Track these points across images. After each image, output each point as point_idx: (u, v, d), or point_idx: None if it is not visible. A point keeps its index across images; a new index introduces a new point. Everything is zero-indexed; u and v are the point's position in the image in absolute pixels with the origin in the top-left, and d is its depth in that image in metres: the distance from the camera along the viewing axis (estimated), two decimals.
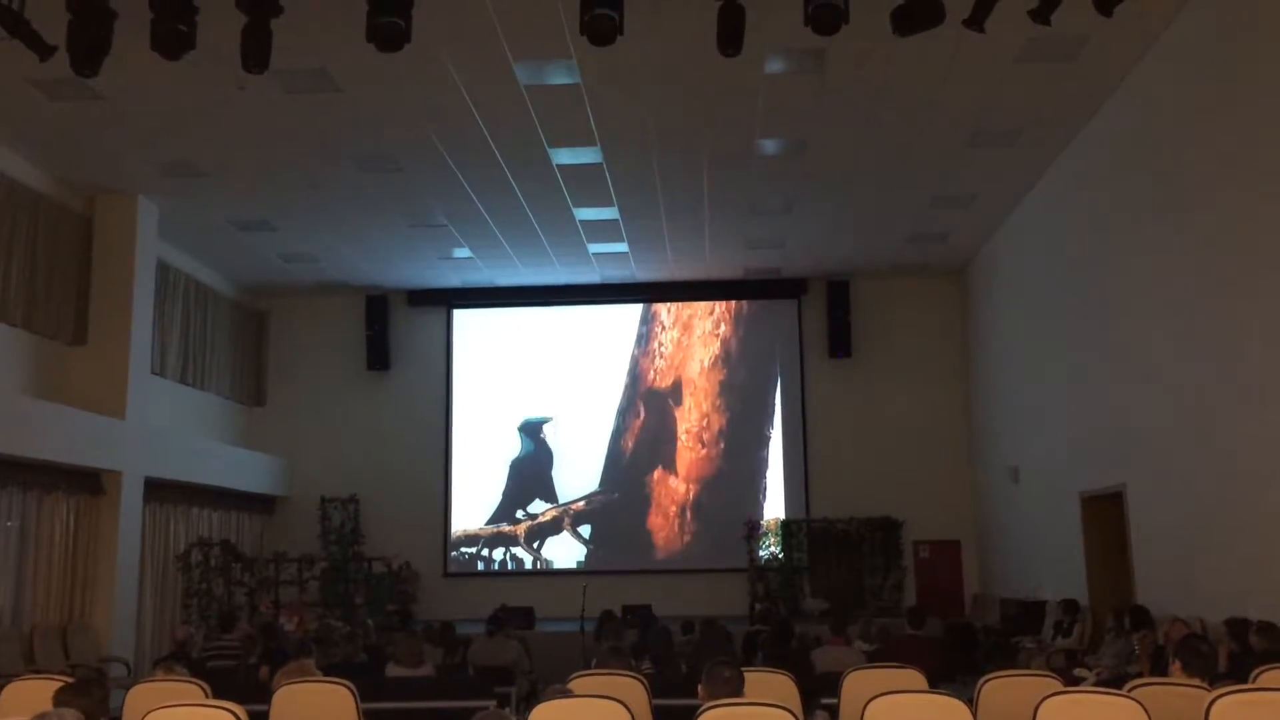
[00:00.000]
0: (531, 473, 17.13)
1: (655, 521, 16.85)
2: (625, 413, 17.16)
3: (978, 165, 12.04)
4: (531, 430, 17.20)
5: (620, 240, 14.69)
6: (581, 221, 13.82)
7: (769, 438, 16.94)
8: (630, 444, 17.08)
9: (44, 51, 7.40)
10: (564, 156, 11.63)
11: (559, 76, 9.72)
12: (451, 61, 9.33)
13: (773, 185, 12.62)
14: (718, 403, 17.10)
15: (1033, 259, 13.16)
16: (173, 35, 7.18)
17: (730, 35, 7.15)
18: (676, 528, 16.81)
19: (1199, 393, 8.85)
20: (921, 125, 10.90)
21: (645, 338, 17.37)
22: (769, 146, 11.44)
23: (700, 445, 17.03)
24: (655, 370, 17.26)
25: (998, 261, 14.71)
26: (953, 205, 13.40)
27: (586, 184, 12.45)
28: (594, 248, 15.00)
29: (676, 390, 17.18)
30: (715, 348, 17.29)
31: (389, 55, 7.40)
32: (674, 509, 16.87)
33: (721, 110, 10.47)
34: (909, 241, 14.95)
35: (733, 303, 17.28)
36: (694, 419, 17.08)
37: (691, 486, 16.92)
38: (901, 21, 7.19)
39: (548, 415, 17.17)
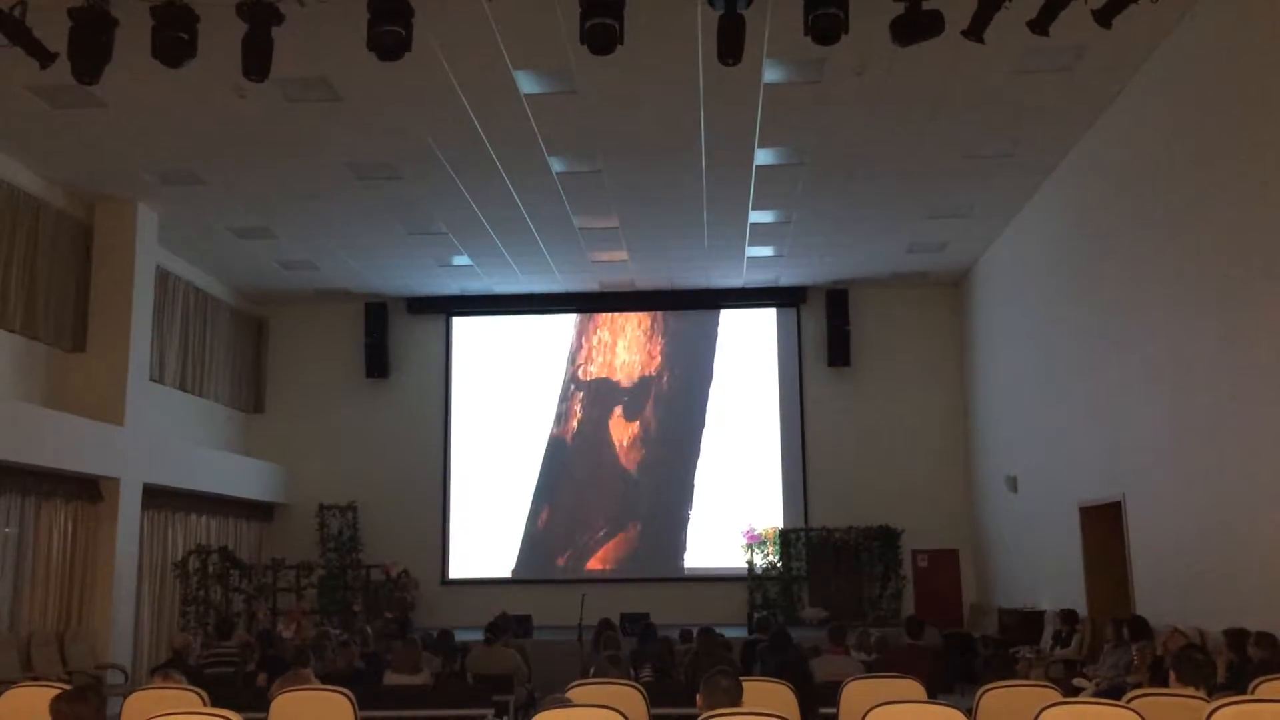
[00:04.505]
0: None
1: (655, 529, 16.81)
2: (622, 420, 17.15)
3: (976, 175, 12.07)
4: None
5: (620, 248, 14.70)
6: (581, 229, 13.83)
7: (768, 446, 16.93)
8: (630, 451, 17.06)
9: (45, 58, 7.43)
10: (563, 164, 11.65)
11: (559, 85, 9.74)
12: (451, 70, 9.35)
13: (772, 194, 12.64)
14: (717, 411, 17.09)
15: (1031, 269, 13.18)
16: (174, 43, 7.22)
17: (730, 45, 7.18)
18: (675, 536, 16.77)
19: (1197, 403, 8.85)
20: (920, 135, 10.92)
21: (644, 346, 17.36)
22: (768, 155, 11.46)
23: (699, 453, 17.01)
24: (651, 378, 17.25)
25: (996, 271, 14.73)
26: (951, 215, 13.42)
27: (586, 192, 12.46)
28: (593, 256, 15.02)
29: (673, 398, 17.17)
30: (715, 357, 17.28)
31: (389, 64, 7.44)
32: (673, 516, 16.83)
33: (721, 119, 10.50)
34: (908, 251, 14.97)
35: (732, 311, 17.29)
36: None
37: (691, 494, 16.89)
38: (901, 31, 7.22)
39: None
